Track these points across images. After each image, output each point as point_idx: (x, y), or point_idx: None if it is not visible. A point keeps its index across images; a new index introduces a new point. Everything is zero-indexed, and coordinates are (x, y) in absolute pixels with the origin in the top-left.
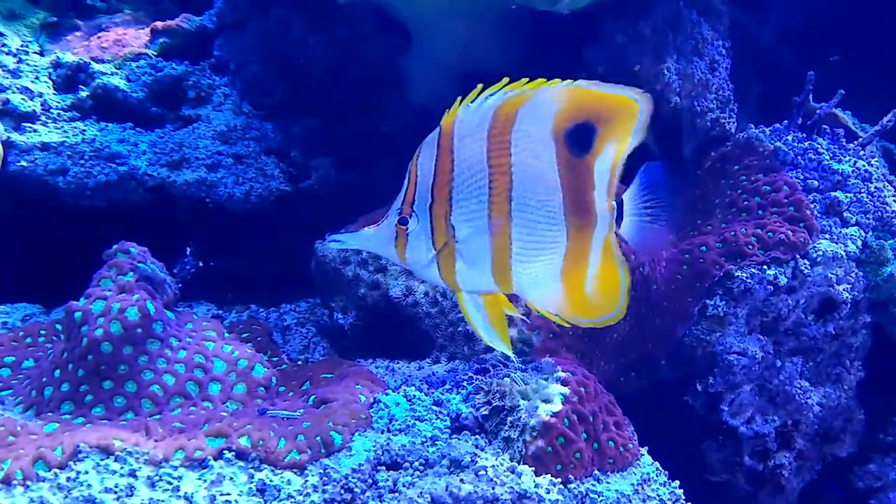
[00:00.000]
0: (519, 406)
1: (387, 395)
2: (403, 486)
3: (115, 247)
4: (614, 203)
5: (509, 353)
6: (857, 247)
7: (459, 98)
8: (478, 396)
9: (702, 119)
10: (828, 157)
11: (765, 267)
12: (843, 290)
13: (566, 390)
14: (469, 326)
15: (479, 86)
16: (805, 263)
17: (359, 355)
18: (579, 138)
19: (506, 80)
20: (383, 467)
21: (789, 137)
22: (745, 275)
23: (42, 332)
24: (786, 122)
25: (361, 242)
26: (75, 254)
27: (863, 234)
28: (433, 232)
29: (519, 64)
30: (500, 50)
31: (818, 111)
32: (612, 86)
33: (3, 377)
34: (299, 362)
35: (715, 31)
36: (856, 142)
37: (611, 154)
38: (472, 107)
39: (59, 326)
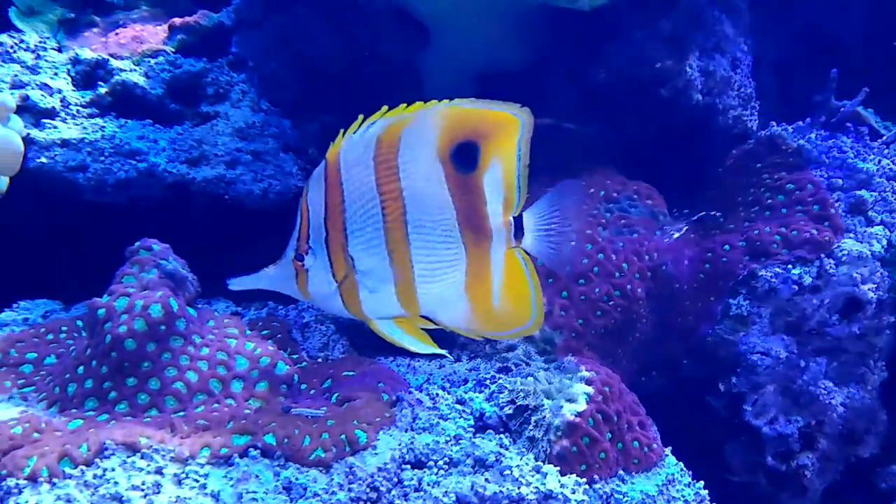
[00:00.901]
0: (543, 405)
1: (410, 393)
2: (428, 485)
3: (137, 243)
4: (511, 218)
5: (441, 352)
6: (882, 246)
7: (342, 131)
8: (502, 395)
9: (724, 117)
10: (852, 156)
11: (789, 266)
12: (868, 289)
13: (590, 390)
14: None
15: (360, 117)
16: (830, 263)
17: (379, 353)
18: (465, 156)
19: (384, 108)
20: (408, 466)
21: (812, 135)
22: (769, 274)
23: (63, 328)
24: (808, 119)
25: (263, 283)
26: (94, 250)
27: (888, 233)
28: (332, 264)
29: (538, 62)
30: (520, 48)
31: (841, 109)
32: (492, 102)
33: (25, 373)
34: (319, 360)
35: (736, 28)
36: (879, 140)
37: (499, 169)
38: (355, 137)
39: (80, 323)
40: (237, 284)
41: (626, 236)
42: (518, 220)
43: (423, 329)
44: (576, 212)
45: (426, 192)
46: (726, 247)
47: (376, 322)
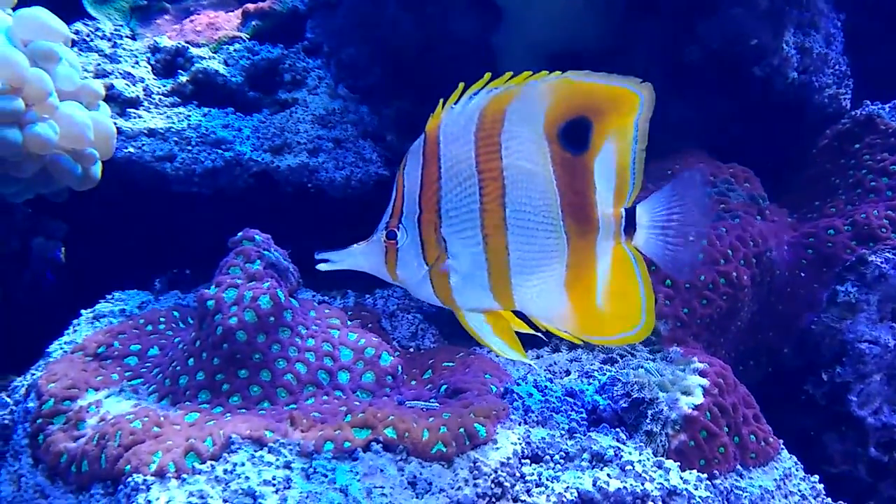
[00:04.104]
0: (658, 398)
1: (518, 385)
2: (548, 480)
3: (239, 234)
4: (623, 210)
5: (526, 360)
6: None
7: (442, 100)
8: (615, 388)
9: (819, 95)
10: None
11: None
12: None
13: (706, 382)
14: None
15: (461, 85)
16: None
17: (472, 343)
18: (575, 135)
19: (488, 75)
20: (527, 460)
21: None
22: (879, 259)
23: (161, 319)
24: None
25: (352, 261)
26: (180, 240)
27: None
28: (423, 246)
29: (617, 40)
30: (597, 25)
31: None
32: (607, 76)
33: (130, 365)
34: (411, 349)
35: (828, 3)
36: None
37: (612, 152)
38: (457, 109)
39: (176, 314)
40: (325, 264)
41: (728, 221)
42: (630, 213)
43: (516, 332)
44: (700, 209)
45: (529, 172)
46: (831, 231)
47: (465, 315)
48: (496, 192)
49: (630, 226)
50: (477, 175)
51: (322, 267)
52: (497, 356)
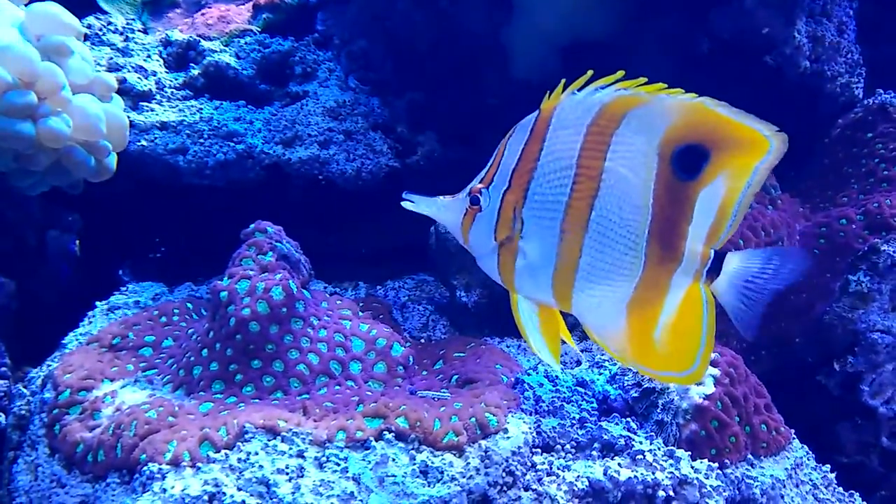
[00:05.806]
0: (669, 388)
1: (529, 375)
2: (558, 469)
3: (252, 226)
4: (712, 251)
5: (557, 368)
6: None
7: (564, 81)
8: (626, 378)
9: (832, 84)
10: None
11: None
12: None
13: (717, 372)
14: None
15: (590, 72)
16: None
17: (482, 334)
18: (689, 161)
19: (621, 73)
20: (538, 450)
21: None
22: (891, 249)
23: (175, 310)
24: None
25: (432, 210)
26: (193, 232)
27: None
28: (498, 220)
29: (627, 31)
30: (605, 16)
31: None
32: (743, 113)
33: (145, 356)
34: (422, 340)
35: None
36: None
37: (721, 189)
38: (578, 96)
39: (189, 305)
40: (410, 201)
41: None
42: (719, 256)
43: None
44: (791, 282)
45: (628, 182)
46: (843, 221)
47: (519, 300)
48: (588, 192)
49: (714, 269)
50: (575, 168)
51: (405, 205)
52: (507, 348)
